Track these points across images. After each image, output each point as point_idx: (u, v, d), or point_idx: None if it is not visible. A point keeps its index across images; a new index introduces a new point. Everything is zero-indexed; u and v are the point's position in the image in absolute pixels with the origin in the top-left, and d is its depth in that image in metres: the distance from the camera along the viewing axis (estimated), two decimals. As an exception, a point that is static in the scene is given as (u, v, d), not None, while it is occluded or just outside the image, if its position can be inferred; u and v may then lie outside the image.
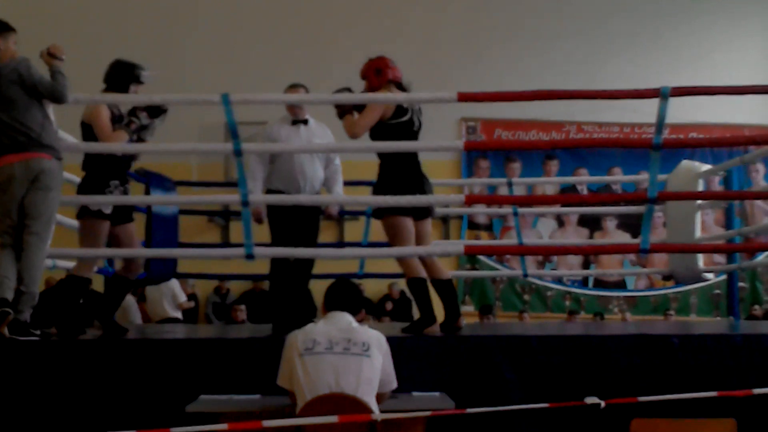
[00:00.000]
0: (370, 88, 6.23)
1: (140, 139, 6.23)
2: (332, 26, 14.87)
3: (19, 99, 5.36)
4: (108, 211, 5.99)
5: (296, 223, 6.58)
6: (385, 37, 14.61)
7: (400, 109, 6.11)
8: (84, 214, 6.03)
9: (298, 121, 6.78)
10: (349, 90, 6.30)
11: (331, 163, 6.91)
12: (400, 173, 6.09)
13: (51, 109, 5.62)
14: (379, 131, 6.09)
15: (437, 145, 6.63)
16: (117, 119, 6.12)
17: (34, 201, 5.35)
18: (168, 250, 7.18)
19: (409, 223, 6.09)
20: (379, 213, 6.18)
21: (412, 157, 6.18)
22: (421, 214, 6.19)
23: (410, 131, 6.18)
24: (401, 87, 6.21)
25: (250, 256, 5.91)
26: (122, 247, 6.25)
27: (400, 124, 6.10)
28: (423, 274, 6.11)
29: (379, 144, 6.12)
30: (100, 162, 6.08)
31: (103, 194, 5.98)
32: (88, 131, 6.06)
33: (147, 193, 7.60)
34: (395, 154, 6.11)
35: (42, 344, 5.14)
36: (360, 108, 6.16)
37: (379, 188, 6.14)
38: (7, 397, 4.87)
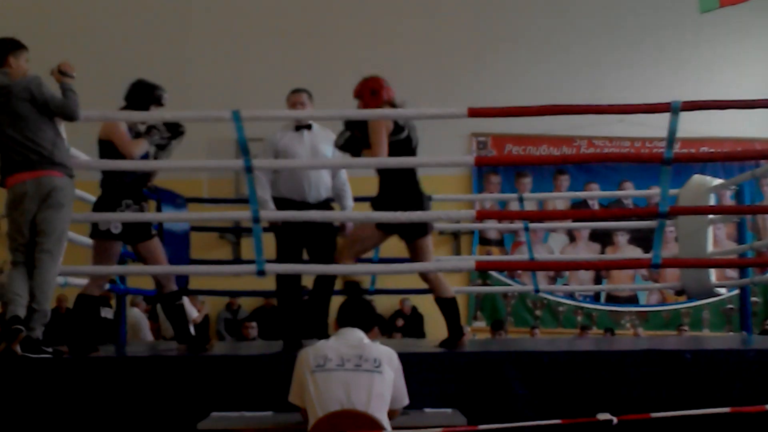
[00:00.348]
0: (365, 108, 6.26)
1: (156, 159, 6.29)
2: (335, 32, 14.91)
3: (31, 117, 5.38)
4: (117, 231, 6.04)
5: (305, 236, 6.56)
6: (388, 45, 14.68)
7: (398, 127, 6.16)
8: (94, 234, 6.11)
9: (301, 126, 6.74)
10: (350, 132, 6.31)
11: (338, 172, 6.88)
12: (400, 189, 6.13)
13: (63, 127, 5.65)
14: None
15: (448, 160, 6.65)
16: (135, 135, 6.17)
17: (46, 218, 5.36)
18: (179, 266, 7.20)
19: (381, 239, 6.25)
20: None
21: (411, 174, 6.23)
22: (417, 232, 6.21)
23: (409, 147, 6.23)
24: (395, 106, 6.23)
25: (261, 273, 5.91)
26: (147, 263, 6.30)
27: (399, 141, 6.16)
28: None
29: (390, 160, 6.13)
30: (114, 180, 6.14)
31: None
32: (107, 148, 6.10)
33: (158, 209, 7.62)
34: (394, 170, 6.14)
35: (54, 362, 5.14)
36: (361, 126, 6.19)
37: (378, 203, 6.19)
38: (20, 415, 4.88)
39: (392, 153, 6.10)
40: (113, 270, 6.41)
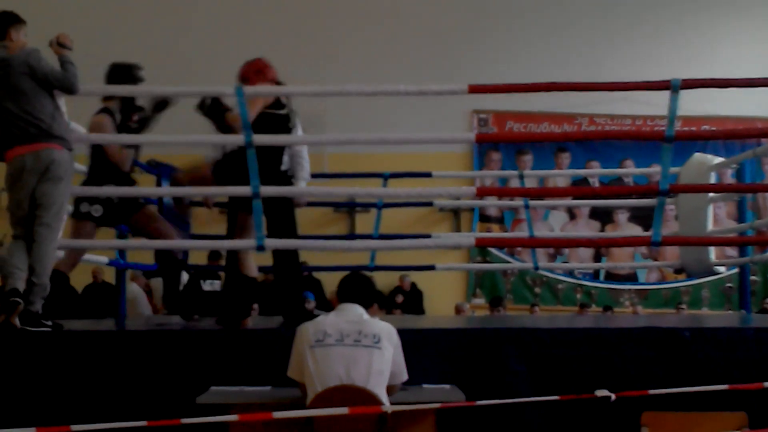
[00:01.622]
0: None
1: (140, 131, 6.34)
2: (337, 8, 14.88)
3: (30, 90, 5.36)
4: (97, 214, 6.09)
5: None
6: (388, 22, 14.63)
7: (278, 102, 6.24)
8: (75, 215, 6.26)
9: None
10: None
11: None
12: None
13: (62, 101, 5.63)
14: (257, 120, 6.11)
15: (449, 137, 6.62)
16: (119, 127, 6.23)
17: (45, 192, 5.35)
18: (180, 241, 7.19)
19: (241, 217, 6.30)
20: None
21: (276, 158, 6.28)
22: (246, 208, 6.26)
23: (285, 125, 6.26)
24: (279, 84, 6.33)
25: (260, 248, 5.92)
26: (149, 230, 6.42)
27: (275, 115, 6.21)
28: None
29: (390, 136, 6.11)
30: (102, 167, 6.23)
31: (96, 202, 6.22)
32: (97, 149, 6.24)
33: (158, 184, 7.61)
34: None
35: (53, 335, 5.15)
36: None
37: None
38: (19, 388, 4.89)
39: (261, 125, 6.10)
40: (114, 244, 6.42)
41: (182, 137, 7.31)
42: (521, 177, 9.27)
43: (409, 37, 14.72)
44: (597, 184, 14.74)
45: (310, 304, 10.93)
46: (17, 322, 5.09)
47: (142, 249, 8.52)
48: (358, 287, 4.48)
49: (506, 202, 11.23)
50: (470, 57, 14.56)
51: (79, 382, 4.92)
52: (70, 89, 5.50)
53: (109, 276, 10.72)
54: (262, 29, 14.60)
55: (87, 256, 7.08)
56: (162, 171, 7.74)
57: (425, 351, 5.02)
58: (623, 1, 15.25)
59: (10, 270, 5.24)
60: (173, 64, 13.45)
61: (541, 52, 14.75)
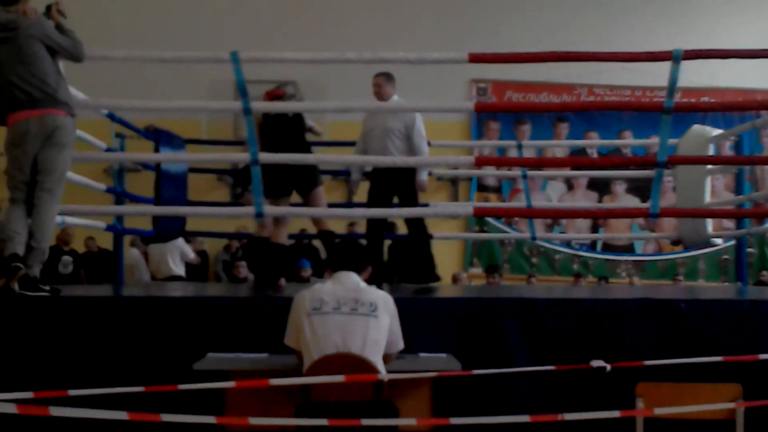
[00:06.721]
0: None
1: None
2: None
3: (39, 55, 5.33)
4: None
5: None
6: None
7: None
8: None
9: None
10: None
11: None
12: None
13: (61, 66, 5.61)
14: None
15: (448, 106, 6.60)
16: None
17: (48, 157, 5.34)
18: (177, 207, 7.19)
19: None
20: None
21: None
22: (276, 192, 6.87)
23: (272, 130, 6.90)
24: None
25: (259, 215, 5.92)
26: None
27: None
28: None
29: (390, 104, 6.09)
30: None
31: None
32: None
33: (156, 150, 7.60)
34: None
35: (51, 300, 5.16)
36: None
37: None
38: (17, 352, 4.91)
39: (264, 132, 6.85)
40: (112, 210, 6.39)
41: (180, 103, 7.30)
42: (519, 147, 9.27)
43: (415, 8, 14.67)
44: (595, 155, 14.73)
45: (307, 272, 10.95)
46: (16, 286, 5.11)
47: (140, 215, 8.54)
48: (350, 254, 4.49)
49: (504, 172, 11.22)
50: (474, 27, 14.50)
51: (77, 347, 4.94)
52: (78, 57, 5.55)
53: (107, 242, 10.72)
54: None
55: (85, 222, 7.09)
56: (161, 137, 7.72)
57: (422, 320, 5.03)
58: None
59: (9, 234, 5.24)
60: (181, 30, 13.43)
61: (541, 22, 14.70)
